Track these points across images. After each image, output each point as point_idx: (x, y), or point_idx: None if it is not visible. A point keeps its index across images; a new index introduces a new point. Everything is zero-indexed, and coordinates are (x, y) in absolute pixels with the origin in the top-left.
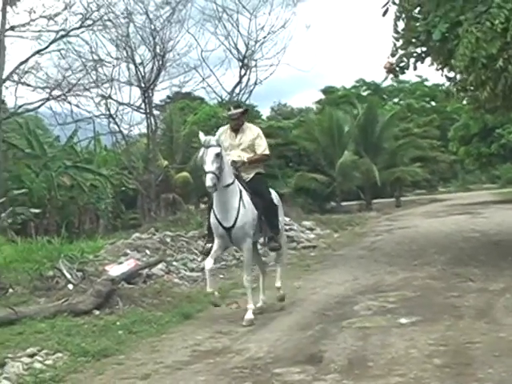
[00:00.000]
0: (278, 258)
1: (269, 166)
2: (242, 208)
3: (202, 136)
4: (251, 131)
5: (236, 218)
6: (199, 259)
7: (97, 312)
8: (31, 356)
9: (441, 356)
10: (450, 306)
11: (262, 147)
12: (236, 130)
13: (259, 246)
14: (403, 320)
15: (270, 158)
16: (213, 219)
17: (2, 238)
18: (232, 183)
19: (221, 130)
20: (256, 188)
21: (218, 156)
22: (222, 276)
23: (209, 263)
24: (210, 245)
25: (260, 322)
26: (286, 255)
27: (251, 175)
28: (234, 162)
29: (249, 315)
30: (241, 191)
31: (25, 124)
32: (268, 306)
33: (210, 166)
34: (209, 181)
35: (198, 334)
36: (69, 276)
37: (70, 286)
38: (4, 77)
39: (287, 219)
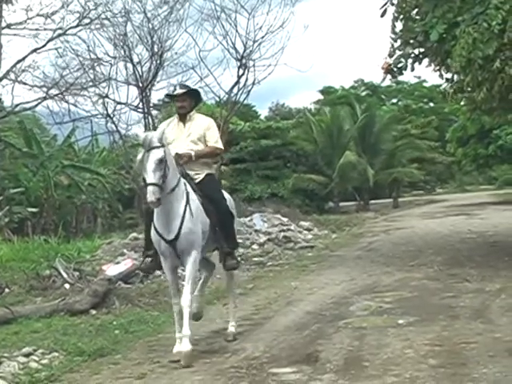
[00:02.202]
0: (230, 283)
1: (268, 168)
2: (188, 214)
3: (140, 133)
4: (202, 120)
5: (180, 227)
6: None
7: (93, 311)
8: (27, 355)
9: (436, 356)
10: (445, 306)
11: (214, 139)
12: (183, 118)
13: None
14: (399, 320)
15: (222, 152)
16: (153, 234)
17: None
18: (176, 185)
19: (166, 122)
20: (208, 192)
21: (162, 162)
22: (218, 276)
23: (176, 305)
24: (149, 259)
25: (256, 322)
26: (237, 279)
27: (202, 175)
28: (178, 156)
29: (184, 346)
30: (187, 193)
31: (21, 123)
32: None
33: (151, 176)
34: (150, 195)
35: (194, 333)
36: (65, 275)
37: (67, 286)
38: (1, 75)
39: (285, 219)
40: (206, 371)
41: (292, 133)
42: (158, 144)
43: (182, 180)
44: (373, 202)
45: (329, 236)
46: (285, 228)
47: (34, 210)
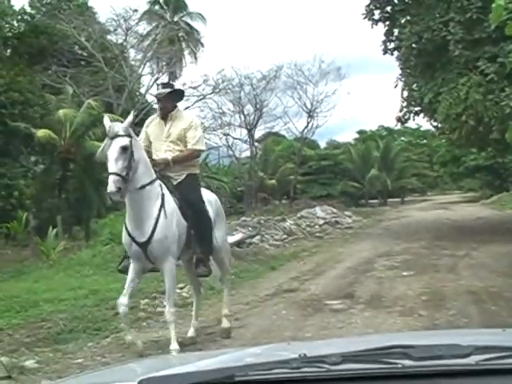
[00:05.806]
0: (223, 276)
1: (325, 178)
2: (162, 217)
3: (106, 121)
4: (183, 120)
5: (153, 230)
6: (277, 237)
7: None
8: (181, 288)
9: (426, 294)
10: (432, 264)
11: (195, 140)
12: (165, 117)
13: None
14: (404, 273)
15: (201, 152)
16: (124, 235)
17: None
18: (149, 183)
19: (149, 119)
20: (185, 193)
21: (126, 151)
22: (294, 244)
23: (122, 304)
24: (127, 260)
25: (316, 272)
26: (229, 271)
27: (182, 176)
28: (155, 163)
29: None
30: (163, 195)
31: None
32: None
33: (112, 164)
34: (111, 185)
35: (279, 279)
36: None
37: None
38: None
39: (335, 210)
40: (285, 301)
41: (340, 157)
42: (123, 133)
43: (158, 181)
44: (389, 200)
45: (361, 221)
46: (335, 215)
47: None
